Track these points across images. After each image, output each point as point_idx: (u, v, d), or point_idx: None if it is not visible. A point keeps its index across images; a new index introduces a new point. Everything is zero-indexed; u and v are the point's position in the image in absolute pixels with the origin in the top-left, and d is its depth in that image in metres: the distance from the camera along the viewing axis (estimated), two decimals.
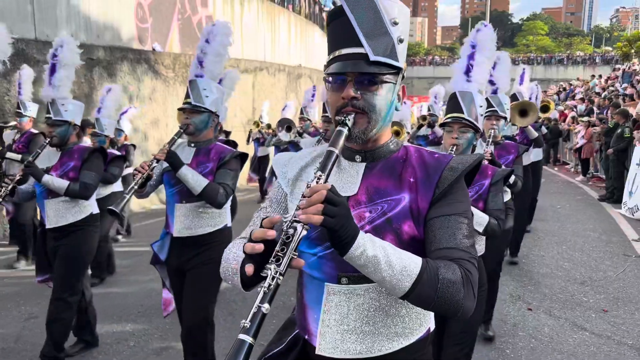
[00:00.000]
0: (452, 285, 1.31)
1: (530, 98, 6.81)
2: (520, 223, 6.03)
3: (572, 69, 47.83)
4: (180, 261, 3.25)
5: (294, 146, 7.16)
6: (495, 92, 4.27)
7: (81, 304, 3.92)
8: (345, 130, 1.40)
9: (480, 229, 2.84)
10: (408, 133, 7.20)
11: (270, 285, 1.18)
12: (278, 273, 1.19)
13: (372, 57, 1.39)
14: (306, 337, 1.55)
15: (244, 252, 1.27)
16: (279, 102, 15.66)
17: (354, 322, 1.47)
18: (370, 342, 1.47)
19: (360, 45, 1.39)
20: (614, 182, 10.29)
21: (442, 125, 3.07)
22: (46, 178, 3.59)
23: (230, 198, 3.29)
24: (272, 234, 1.23)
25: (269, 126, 11.09)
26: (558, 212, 9.46)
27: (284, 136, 7.25)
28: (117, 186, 5.83)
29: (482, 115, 3.06)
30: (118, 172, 5.51)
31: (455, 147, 2.92)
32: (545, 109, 9.06)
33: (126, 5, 11.08)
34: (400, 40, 1.44)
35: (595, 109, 17.10)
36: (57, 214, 3.69)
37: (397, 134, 6.17)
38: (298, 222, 1.23)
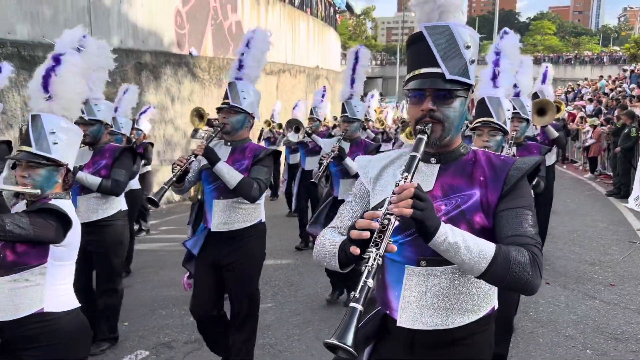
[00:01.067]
0: (521, 266, 1.51)
1: (547, 95, 6.83)
2: (541, 225, 6.24)
3: (580, 69, 48.08)
4: (217, 255, 3.39)
5: (304, 146, 7.46)
6: (517, 94, 4.44)
7: (113, 300, 4.15)
8: (425, 138, 1.62)
9: None
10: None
11: (372, 265, 1.37)
12: (378, 256, 1.38)
13: (448, 76, 1.61)
14: (387, 312, 1.76)
15: (350, 237, 1.46)
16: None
17: (431, 299, 1.67)
18: (444, 316, 1.68)
19: (437, 65, 1.61)
20: (621, 178, 11.08)
21: (473, 129, 3.30)
22: (80, 174, 3.76)
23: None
24: (375, 225, 1.42)
25: (280, 126, 11.30)
26: (568, 205, 10.25)
27: (292, 137, 7.25)
28: (135, 184, 6.05)
29: (509, 118, 3.28)
30: (135, 169, 5.60)
31: (515, 155, 3.32)
32: (557, 110, 9.78)
33: (167, 13, 11.95)
34: (472, 62, 1.66)
35: (603, 109, 17.84)
36: (89, 209, 3.89)
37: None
38: (391, 214, 1.43)
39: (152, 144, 7.79)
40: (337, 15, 29.28)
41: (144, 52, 10.93)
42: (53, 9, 9.23)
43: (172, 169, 3.23)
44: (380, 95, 20.36)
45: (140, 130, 7.38)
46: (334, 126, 10.79)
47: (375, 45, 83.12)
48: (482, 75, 3.40)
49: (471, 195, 1.65)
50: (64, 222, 2.30)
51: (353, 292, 1.35)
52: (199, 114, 8.50)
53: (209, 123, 7.78)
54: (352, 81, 4.96)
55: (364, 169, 1.85)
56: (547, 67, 6.81)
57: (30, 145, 2.33)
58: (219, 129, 3.41)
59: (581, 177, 14.52)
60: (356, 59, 4.96)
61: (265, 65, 12.90)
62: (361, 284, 1.35)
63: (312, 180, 4.81)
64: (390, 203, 1.45)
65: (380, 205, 1.63)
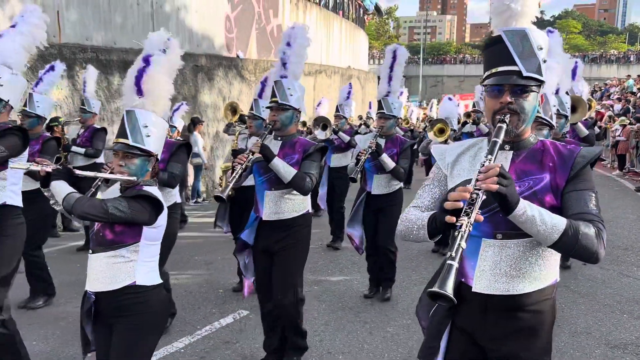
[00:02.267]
0: (589, 238, 1.73)
1: (581, 94, 6.86)
2: None
3: (606, 68, 47.69)
4: (268, 243, 3.62)
5: (330, 143, 7.12)
6: (556, 92, 4.56)
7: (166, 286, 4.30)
8: (504, 126, 1.85)
9: None
10: (454, 130, 7.36)
11: (465, 230, 1.59)
12: (469, 224, 1.61)
13: (525, 74, 1.84)
14: (462, 279, 1.98)
15: (443, 209, 1.69)
16: (334, 102, 17.21)
17: (504, 267, 1.90)
18: (515, 283, 1.90)
19: (514, 64, 1.85)
20: None
21: None
22: None
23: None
24: (467, 196, 1.65)
25: (304, 124, 11.51)
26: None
27: (320, 134, 7.17)
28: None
29: (555, 114, 3.51)
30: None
31: (580, 146, 3.51)
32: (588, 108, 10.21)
33: (218, 18, 12.81)
34: (544, 61, 1.89)
35: (631, 108, 18.20)
36: None
37: (441, 131, 6.50)
38: (479, 189, 1.65)
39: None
40: (365, 17, 29.93)
41: (199, 56, 11.79)
42: (122, 17, 10.13)
43: (233, 167, 3.48)
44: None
45: (175, 127, 7.46)
46: (360, 125, 10.61)
47: (399, 44, 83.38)
48: (545, 66, 3.84)
49: (542, 179, 1.88)
50: (156, 207, 2.52)
51: (449, 252, 1.58)
52: (232, 108, 9.07)
53: (242, 118, 8.03)
54: (390, 79, 5.12)
55: (440, 156, 2.11)
56: (576, 62, 6.66)
57: (126, 138, 2.52)
58: (271, 126, 3.57)
59: (610, 175, 14.98)
60: (394, 57, 5.14)
61: (304, 66, 13.61)
62: (456, 246, 1.57)
63: (351, 175, 4.96)
64: (477, 180, 1.67)
65: (460, 185, 1.89)
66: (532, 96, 1.88)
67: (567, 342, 4.16)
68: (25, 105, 6.14)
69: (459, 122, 7.97)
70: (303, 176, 3.47)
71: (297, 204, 3.62)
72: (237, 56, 13.48)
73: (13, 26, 3.57)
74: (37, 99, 5.22)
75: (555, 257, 1.95)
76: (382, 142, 4.96)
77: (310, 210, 3.78)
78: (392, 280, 5.22)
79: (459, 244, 1.57)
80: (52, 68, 5.61)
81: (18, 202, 3.52)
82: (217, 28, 12.80)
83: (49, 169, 2.61)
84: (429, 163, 10.50)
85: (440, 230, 1.81)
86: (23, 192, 3.65)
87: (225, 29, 13.14)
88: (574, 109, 5.80)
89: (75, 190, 2.54)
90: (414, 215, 1.96)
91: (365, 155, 4.81)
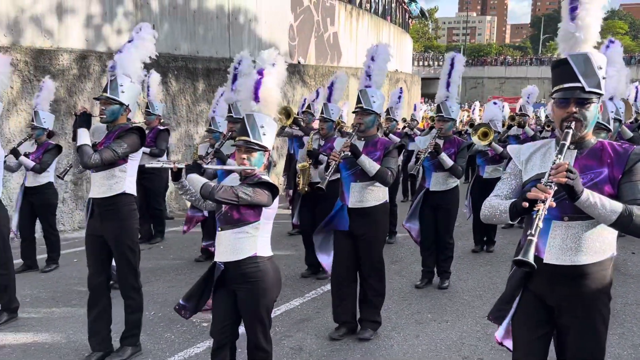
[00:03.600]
0: None
1: (627, 97, 7.07)
2: None
3: None
4: (352, 226, 4.17)
5: None
6: (611, 98, 4.96)
7: None
8: (571, 131, 2.26)
9: None
10: (498, 133, 7.48)
11: (541, 214, 2.05)
12: (545, 209, 2.07)
13: (587, 89, 2.25)
14: (536, 253, 2.24)
15: (528, 198, 2.11)
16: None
17: (570, 243, 2.30)
18: (578, 256, 2.30)
19: (578, 81, 2.25)
20: None
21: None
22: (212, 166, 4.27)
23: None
24: (542, 196, 2.08)
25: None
26: None
27: None
28: None
29: (612, 119, 3.91)
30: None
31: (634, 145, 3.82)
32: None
33: (283, 28, 13.87)
34: (603, 78, 2.29)
35: None
36: None
37: (485, 134, 6.58)
38: (551, 182, 2.09)
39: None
40: (410, 21, 30.63)
41: None
42: (204, 29, 11.27)
43: (328, 162, 4.11)
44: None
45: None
46: (404, 127, 10.92)
47: (438, 46, 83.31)
48: (604, 82, 4.31)
49: (601, 172, 2.29)
50: (273, 191, 2.97)
51: (530, 230, 2.05)
52: (286, 112, 9.80)
53: (295, 121, 8.54)
54: (448, 85, 5.53)
55: (516, 153, 2.52)
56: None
57: (248, 136, 2.98)
58: (356, 128, 4.16)
59: None
60: (452, 64, 5.55)
61: (356, 71, 14.58)
62: (535, 225, 2.05)
63: (411, 172, 5.37)
64: (550, 175, 2.11)
65: (533, 179, 2.34)
66: (593, 107, 2.29)
67: (620, 310, 4.92)
68: (147, 107, 7.36)
69: (503, 125, 8.08)
70: (385, 170, 4.06)
71: (378, 194, 4.20)
72: (299, 62, 14.51)
73: (130, 41, 4.00)
74: (155, 104, 6.67)
75: (612, 235, 2.34)
76: (440, 142, 5.38)
77: (388, 200, 4.30)
78: (448, 272, 5.63)
79: (537, 224, 2.04)
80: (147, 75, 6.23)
81: (133, 191, 3.92)
82: (282, 37, 13.85)
83: (181, 166, 3.08)
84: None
85: (520, 213, 2.25)
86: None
87: (289, 38, 14.19)
88: None
89: (209, 181, 2.97)
90: (496, 202, 2.40)
91: (424, 154, 5.22)
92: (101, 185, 3.79)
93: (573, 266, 2.30)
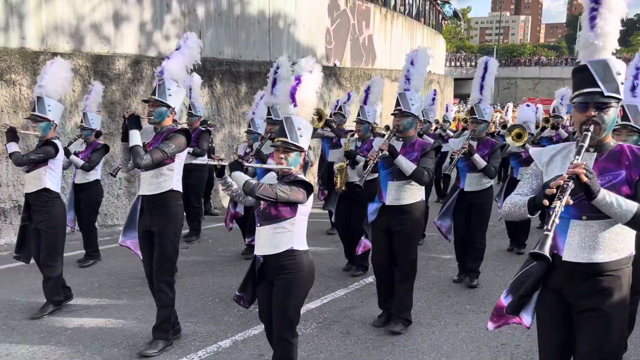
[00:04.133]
0: None
1: None
2: None
3: None
4: (389, 223, 4.39)
5: None
6: None
7: None
8: (589, 134, 2.33)
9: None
10: (532, 134, 7.47)
11: (558, 211, 2.12)
12: (561, 205, 2.14)
13: (606, 93, 2.34)
14: (555, 251, 2.42)
15: (546, 194, 2.18)
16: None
17: (588, 241, 2.38)
18: (596, 254, 2.37)
19: (597, 86, 2.35)
20: None
21: (614, 130, 3.57)
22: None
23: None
24: (561, 183, 2.16)
25: (387, 127, 12.44)
26: None
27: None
28: None
29: None
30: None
31: None
32: None
33: (320, 32, 14.27)
34: (622, 83, 2.38)
35: None
36: None
37: (519, 136, 6.61)
38: (569, 180, 2.17)
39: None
40: (443, 22, 30.67)
41: None
42: (246, 34, 11.74)
43: (366, 161, 4.33)
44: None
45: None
46: (436, 128, 11.02)
47: (470, 46, 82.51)
48: (623, 87, 4.34)
49: (619, 174, 2.37)
50: (308, 189, 3.15)
51: (546, 226, 2.11)
52: (318, 114, 10.00)
53: (327, 123, 8.64)
54: (481, 88, 5.67)
55: (538, 156, 2.61)
56: None
57: (286, 137, 3.17)
58: (395, 129, 4.37)
59: None
60: (485, 68, 5.69)
61: (390, 73, 14.79)
62: (551, 221, 2.11)
63: (445, 172, 5.53)
64: (569, 174, 2.17)
65: (554, 179, 2.32)
66: (612, 111, 2.38)
67: None
68: (189, 108, 7.59)
69: (537, 127, 8.10)
70: (422, 170, 4.23)
71: (414, 193, 4.40)
72: (335, 65, 14.88)
73: (178, 49, 4.26)
74: (197, 105, 6.96)
75: (630, 234, 2.40)
76: (474, 144, 5.53)
77: (424, 199, 4.51)
78: (477, 272, 5.73)
79: (554, 220, 2.11)
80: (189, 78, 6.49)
81: (180, 188, 4.16)
82: (319, 40, 14.25)
83: (225, 163, 3.28)
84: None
85: (539, 208, 2.33)
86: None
87: (326, 41, 14.58)
88: None
89: (251, 178, 3.15)
90: (517, 199, 2.51)
91: (458, 155, 5.35)
92: (150, 184, 4.02)
93: (591, 264, 2.38)
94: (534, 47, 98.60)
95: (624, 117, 3.81)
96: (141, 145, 3.88)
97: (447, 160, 5.60)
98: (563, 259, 2.43)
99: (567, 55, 70.50)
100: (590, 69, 2.38)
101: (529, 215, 2.43)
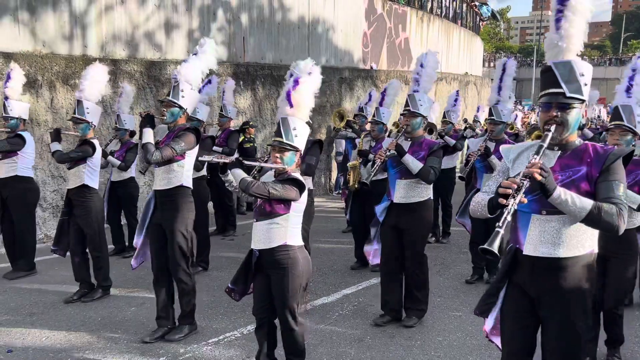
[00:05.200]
0: (610, 215, 2.25)
1: None
2: None
3: None
4: (398, 221, 4.48)
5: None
6: None
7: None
8: (550, 134, 2.38)
9: (635, 206, 3.71)
10: None
11: (511, 208, 2.18)
12: (515, 204, 2.20)
13: (568, 94, 2.37)
14: (517, 246, 2.51)
15: (499, 193, 2.24)
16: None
17: (547, 236, 2.41)
18: (556, 248, 2.40)
19: (561, 87, 2.38)
20: None
21: (607, 130, 4.02)
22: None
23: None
24: (514, 185, 2.21)
25: (396, 124, 11.84)
26: None
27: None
28: None
29: (639, 122, 3.83)
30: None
31: (616, 147, 3.45)
32: None
33: (357, 36, 14.70)
34: (585, 84, 2.40)
35: None
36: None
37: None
38: (524, 179, 2.22)
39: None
40: (481, 23, 30.59)
41: (343, 69, 13.74)
42: (287, 39, 12.30)
43: (374, 160, 4.47)
44: (515, 98, 20.96)
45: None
46: (465, 128, 10.86)
47: (510, 46, 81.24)
48: (617, 89, 4.12)
49: (580, 170, 2.40)
50: (301, 188, 3.24)
51: (498, 223, 2.14)
52: (340, 115, 10.02)
53: (348, 123, 8.78)
54: (499, 89, 5.74)
55: (506, 153, 2.66)
56: None
57: (281, 137, 3.27)
58: (403, 129, 4.53)
59: None
60: (504, 69, 5.77)
61: None
62: (503, 219, 2.15)
63: (460, 175, 5.64)
64: (525, 172, 2.23)
65: (517, 176, 2.35)
66: (575, 111, 2.41)
67: None
68: (221, 110, 7.84)
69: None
70: (428, 169, 4.33)
71: (421, 191, 4.49)
72: (371, 67, 15.28)
73: (195, 54, 4.44)
74: (197, 106, 6.16)
75: (592, 231, 2.42)
76: (492, 145, 5.54)
77: (432, 197, 4.59)
78: (497, 269, 5.66)
79: (506, 217, 2.16)
80: (209, 81, 6.77)
81: (190, 184, 4.32)
82: (356, 44, 14.69)
83: (227, 160, 3.39)
84: None
85: (496, 207, 2.36)
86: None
87: (362, 45, 15.00)
88: None
89: (248, 176, 3.26)
90: (481, 197, 2.54)
91: (475, 157, 5.49)
92: (162, 179, 4.20)
93: (551, 258, 2.40)
94: None
95: (617, 117, 3.84)
96: (153, 142, 4.06)
97: (451, 164, 5.82)
98: (524, 253, 2.47)
99: (610, 55, 68.52)
100: (554, 70, 2.42)
101: (489, 215, 2.45)
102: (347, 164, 6.26)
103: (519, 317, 2.53)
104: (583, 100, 2.42)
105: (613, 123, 3.85)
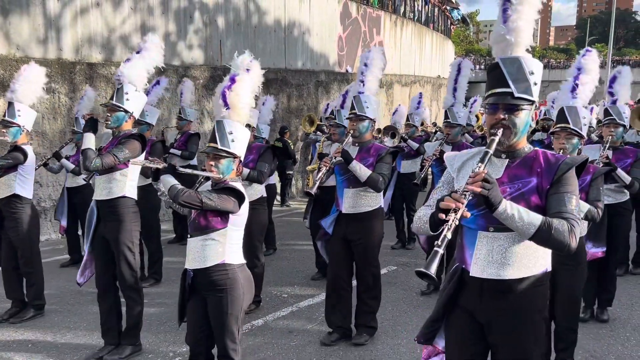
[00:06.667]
0: (561, 232, 2.00)
1: None
2: None
3: None
4: (346, 232, 4.20)
5: (400, 150, 7.33)
6: (614, 102, 4.83)
7: (258, 270, 4.84)
8: (496, 139, 2.13)
9: (581, 215, 3.31)
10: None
11: (451, 224, 1.90)
12: (455, 218, 1.92)
13: (516, 94, 2.13)
14: (463, 266, 2.27)
15: (441, 208, 1.96)
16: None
17: (496, 255, 2.17)
18: (505, 269, 2.16)
19: (509, 86, 2.13)
20: None
21: (552, 133, 3.69)
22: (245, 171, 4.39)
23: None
24: (454, 205, 1.93)
25: (379, 131, 12.56)
26: None
27: (388, 142, 7.35)
28: (271, 179, 6.49)
29: (585, 125, 3.60)
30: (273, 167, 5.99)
31: (562, 151, 3.42)
32: None
33: (333, 39, 14.84)
34: (535, 83, 2.16)
35: None
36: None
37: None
38: (467, 191, 1.97)
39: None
40: (452, 27, 31.14)
41: (319, 72, 13.85)
42: (263, 43, 12.33)
43: (319, 167, 4.10)
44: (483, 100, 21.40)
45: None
46: (436, 131, 10.65)
47: (479, 49, 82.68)
48: (562, 88, 3.84)
49: (530, 182, 2.16)
50: (240, 198, 2.90)
51: (437, 242, 1.88)
52: (310, 120, 10.06)
53: (319, 128, 8.77)
54: (454, 90, 5.44)
55: (451, 161, 2.39)
56: None
57: (216, 143, 2.92)
58: (350, 133, 4.16)
59: None
60: (458, 70, 5.46)
61: (400, 78, 15.46)
62: (442, 236, 1.89)
63: (415, 181, 5.35)
64: (467, 184, 1.98)
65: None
66: (524, 113, 2.17)
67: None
68: (179, 112, 7.39)
69: (535, 131, 7.84)
70: (377, 177, 4.04)
71: (371, 200, 4.20)
72: (347, 71, 15.44)
73: (138, 52, 4.09)
74: (146, 108, 5.77)
75: (544, 249, 2.18)
76: (448, 149, 5.25)
77: (382, 206, 4.32)
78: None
79: (445, 235, 1.89)
80: (158, 82, 6.45)
81: (134, 194, 4.03)
82: (332, 47, 14.82)
83: (160, 166, 3.15)
84: None
85: (438, 224, 2.03)
86: (137, 187, 4.16)
87: (338, 48, 15.14)
88: None
89: (178, 183, 2.93)
90: (423, 212, 2.28)
91: (430, 161, 5.26)
92: (103, 189, 3.92)
93: (500, 280, 2.18)
94: (544, 49, 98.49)
95: (563, 119, 3.60)
96: (93, 148, 3.78)
97: (413, 169, 5.61)
98: (470, 274, 2.24)
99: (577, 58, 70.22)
100: (501, 67, 2.18)
101: (431, 232, 2.17)
102: (307, 168, 6.10)
103: (466, 344, 2.30)
104: (533, 102, 2.19)
105: (558, 126, 3.60)
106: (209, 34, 10.99)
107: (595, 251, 4.02)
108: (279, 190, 10.29)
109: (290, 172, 11.09)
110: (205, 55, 10.91)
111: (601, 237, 4.09)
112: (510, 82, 2.14)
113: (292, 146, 10.40)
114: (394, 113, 9.17)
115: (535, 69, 2.17)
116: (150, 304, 4.78)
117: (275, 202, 11.66)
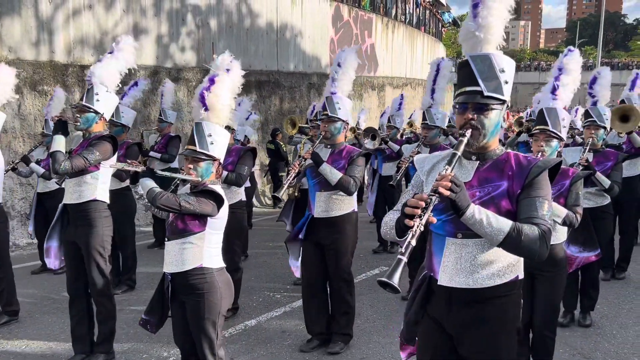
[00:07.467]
0: (531, 239, 1.91)
1: None
2: (630, 237, 6.13)
3: None
4: (318, 236, 4.09)
5: (381, 152, 7.33)
6: (595, 104, 4.76)
7: (237, 275, 4.74)
8: (465, 140, 2.04)
9: (559, 220, 3.32)
10: (502, 142, 6.68)
11: (415, 230, 1.80)
12: (421, 225, 1.81)
13: (486, 93, 2.04)
14: (431, 274, 2.18)
15: (405, 213, 1.86)
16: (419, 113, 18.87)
17: (464, 263, 2.08)
18: (475, 277, 2.07)
19: (478, 85, 2.04)
20: None
21: (531, 135, 3.60)
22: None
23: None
24: (422, 204, 1.84)
25: (354, 131, 12.00)
26: None
27: (369, 144, 7.36)
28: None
29: (564, 127, 3.51)
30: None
31: (541, 153, 3.39)
32: None
33: (324, 42, 14.93)
34: (506, 82, 2.06)
35: None
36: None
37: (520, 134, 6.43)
38: (433, 195, 1.86)
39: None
40: (443, 29, 31.36)
41: (311, 74, 13.93)
42: (255, 45, 12.39)
43: (288, 171, 4.04)
44: None
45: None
46: (411, 133, 10.80)
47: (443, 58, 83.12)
48: (543, 88, 3.74)
49: (500, 185, 2.06)
50: (218, 201, 2.86)
51: (400, 249, 1.77)
52: (292, 122, 10.03)
53: (301, 130, 8.61)
54: (433, 91, 5.34)
55: (420, 164, 2.31)
56: (637, 73, 6.74)
57: (194, 145, 2.89)
58: (321, 135, 4.05)
59: None
60: (437, 70, 5.36)
61: (392, 80, 15.57)
62: (406, 243, 1.78)
63: (391, 183, 5.26)
64: (433, 187, 1.88)
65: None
66: (494, 113, 2.06)
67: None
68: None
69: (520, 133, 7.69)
70: (348, 179, 3.92)
71: (344, 204, 4.08)
72: None
73: (110, 52, 4.02)
74: (122, 110, 5.67)
75: (515, 256, 2.08)
76: (426, 150, 5.16)
77: (356, 210, 4.19)
78: None
79: (409, 242, 1.78)
80: (136, 84, 6.38)
81: (105, 198, 3.92)
82: (324, 50, 14.91)
83: (138, 169, 3.16)
84: None
85: (404, 230, 1.89)
86: (110, 191, 4.07)
87: (330, 50, 15.22)
88: (626, 119, 5.69)
89: (157, 186, 2.89)
90: (390, 217, 2.18)
91: (406, 163, 5.18)
92: (73, 192, 3.82)
93: (469, 289, 2.09)
94: (534, 52, 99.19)
95: (542, 121, 3.51)
96: (62, 151, 3.67)
97: (394, 170, 5.50)
98: (438, 283, 2.14)
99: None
100: (471, 65, 2.09)
101: (397, 238, 2.06)
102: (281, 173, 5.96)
103: (436, 356, 2.22)
104: (504, 101, 2.09)
105: (537, 128, 3.51)
106: (202, 36, 11.03)
107: (587, 255, 3.96)
108: (268, 194, 10.25)
109: (283, 173, 11.17)
110: (198, 58, 10.95)
111: (592, 241, 4.02)
112: (479, 80, 2.05)
113: (284, 148, 10.48)
114: (381, 115, 9.13)
115: (506, 66, 2.08)
116: (123, 312, 4.74)
117: (267, 203, 11.82)
